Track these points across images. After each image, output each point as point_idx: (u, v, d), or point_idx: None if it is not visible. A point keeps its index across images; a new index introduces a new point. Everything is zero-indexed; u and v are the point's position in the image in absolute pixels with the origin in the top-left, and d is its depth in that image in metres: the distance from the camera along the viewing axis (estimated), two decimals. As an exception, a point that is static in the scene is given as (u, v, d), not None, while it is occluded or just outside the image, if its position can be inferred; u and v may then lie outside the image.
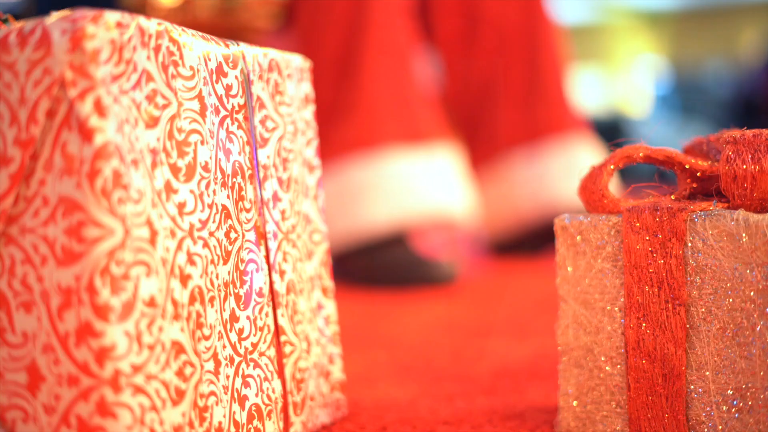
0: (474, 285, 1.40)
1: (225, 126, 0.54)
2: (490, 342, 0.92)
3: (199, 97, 0.52)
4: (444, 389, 0.72)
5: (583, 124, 1.77)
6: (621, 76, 8.85)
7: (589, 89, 8.35)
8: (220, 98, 0.54)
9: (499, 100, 1.75)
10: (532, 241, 1.72)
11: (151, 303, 0.47)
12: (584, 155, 1.69)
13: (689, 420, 0.52)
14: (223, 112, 0.54)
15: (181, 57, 0.51)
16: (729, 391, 0.51)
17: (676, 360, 0.52)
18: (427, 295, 1.31)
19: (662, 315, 0.52)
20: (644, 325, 0.53)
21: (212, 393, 0.51)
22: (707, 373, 0.51)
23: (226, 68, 0.54)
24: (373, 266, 1.41)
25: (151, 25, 0.49)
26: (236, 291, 0.54)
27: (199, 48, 0.52)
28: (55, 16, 0.46)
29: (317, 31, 1.49)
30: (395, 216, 1.42)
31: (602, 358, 0.55)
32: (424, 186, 1.45)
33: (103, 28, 0.46)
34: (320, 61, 1.46)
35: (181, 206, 0.50)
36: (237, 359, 0.53)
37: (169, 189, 0.49)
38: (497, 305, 1.19)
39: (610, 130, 4.93)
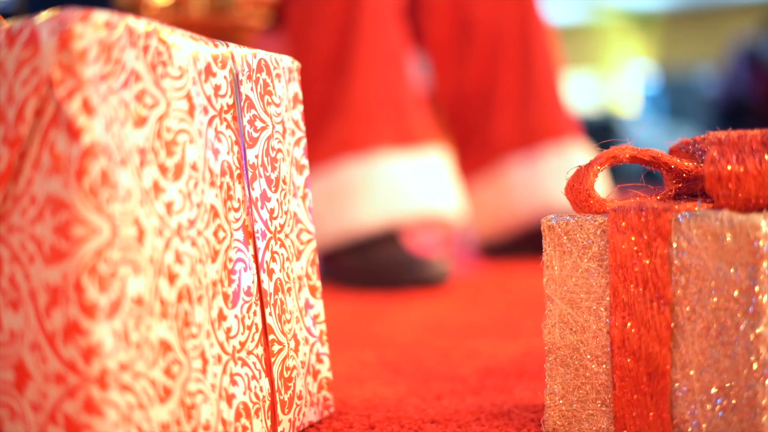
0: (463, 285, 1.40)
1: (213, 126, 0.54)
2: (479, 342, 0.92)
3: (188, 97, 0.52)
4: (432, 388, 0.73)
5: (578, 128, 1.77)
6: (612, 79, 8.86)
7: (580, 91, 8.36)
8: (208, 98, 0.54)
9: (493, 105, 1.76)
10: (528, 244, 1.72)
11: (139, 301, 0.47)
12: (579, 159, 1.70)
13: (674, 418, 0.53)
14: (211, 112, 0.54)
15: (170, 57, 0.51)
16: (713, 390, 0.51)
17: (661, 359, 0.52)
18: (416, 295, 1.31)
19: (647, 314, 0.53)
20: (629, 324, 0.53)
21: (200, 391, 0.51)
22: (691, 371, 0.52)
23: (215, 68, 0.55)
24: (364, 267, 1.41)
25: (140, 25, 0.49)
26: (224, 290, 0.54)
27: (188, 48, 0.53)
28: (43, 16, 0.46)
29: (309, 32, 1.50)
30: (387, 216, 1.42)
31: (588, 357, 0.56)
32: (415, 186, 1.45)
33: (92, 28, 0.46)
34: (312, 63, 1.47)
35: (169, 205, 0.50)
36: (225, 357, 0.54)
37: (157, 188, 0.49)
38: (486, 305, 1.19)
39: (601, 131, 4.94)
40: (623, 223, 0.53)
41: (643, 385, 0.53)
